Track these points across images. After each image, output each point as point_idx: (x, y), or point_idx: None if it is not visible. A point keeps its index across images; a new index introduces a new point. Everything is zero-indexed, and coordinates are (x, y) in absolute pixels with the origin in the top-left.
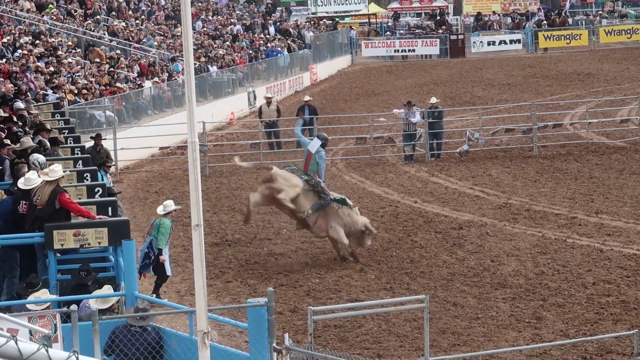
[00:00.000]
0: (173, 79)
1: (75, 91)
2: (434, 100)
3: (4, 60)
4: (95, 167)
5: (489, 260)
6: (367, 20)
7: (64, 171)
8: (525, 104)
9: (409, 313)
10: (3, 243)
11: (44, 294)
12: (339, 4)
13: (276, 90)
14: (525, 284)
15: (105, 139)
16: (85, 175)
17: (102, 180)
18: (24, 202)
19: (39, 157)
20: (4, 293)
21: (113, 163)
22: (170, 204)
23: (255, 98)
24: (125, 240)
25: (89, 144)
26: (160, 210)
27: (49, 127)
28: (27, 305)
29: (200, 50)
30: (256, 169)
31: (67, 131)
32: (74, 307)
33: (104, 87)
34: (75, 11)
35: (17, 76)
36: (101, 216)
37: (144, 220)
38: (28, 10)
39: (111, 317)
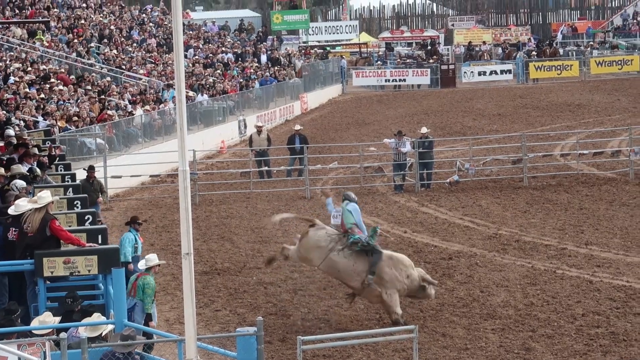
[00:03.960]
0: (162, 106)
1: (66, 118)
2: (424, 130)
3: None
4: (86, 195)
5: (479, 290)
6: (358, 50)
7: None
8: (516, 134)
9: (398, 343)
10: None
11: (47, 317)
12: (330, 33)
13: (267, 119)
14: (515, 315)
15: (96, 167)
16: (75, 202)
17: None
18: (13, 229)
19: (17, 182)
20: None
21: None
22: (153, 259)
23: (245, 127)
24: (115, 268)
25: (80, 172)
26: (142, 265)
27: (35, 151)
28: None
29: (193, 79)
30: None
31: (57, 158)
32: (63, 334)
33: (94, 115)
34: (69, 39)
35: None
36: (91, 244)
37: None
38: (20, 37)
39: (100, 345)
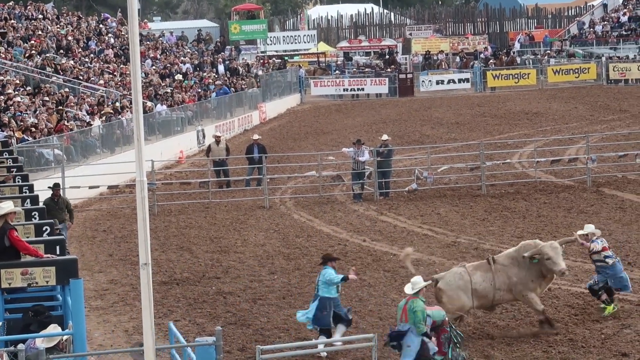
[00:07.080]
0: (121, 117)
1: (23, 129)
2: (385, 137)
3: None
4: (44, 207)
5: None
6: (316, 59)
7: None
8: (474, 142)
9: (357, 352)
10: None
11: None
12: (288, 43)
13: (225, 128)
14: (474, 323)
15: (53, 178)
16: (33, 213)
17: None
18: None
19: None
20: None
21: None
22: (418, 281)
23: (204, 136)
24: (73, 279)
25: (37, 182)
26: (408, 289)
27: None
28: None
29: (150, 89)
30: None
31: (15, 170)
32: (21, 346)
33: (52, 126)
34: (27, 50)
35: None
36: (49, 255)
37: (92, 259)
38: None
39: (58, 356)
